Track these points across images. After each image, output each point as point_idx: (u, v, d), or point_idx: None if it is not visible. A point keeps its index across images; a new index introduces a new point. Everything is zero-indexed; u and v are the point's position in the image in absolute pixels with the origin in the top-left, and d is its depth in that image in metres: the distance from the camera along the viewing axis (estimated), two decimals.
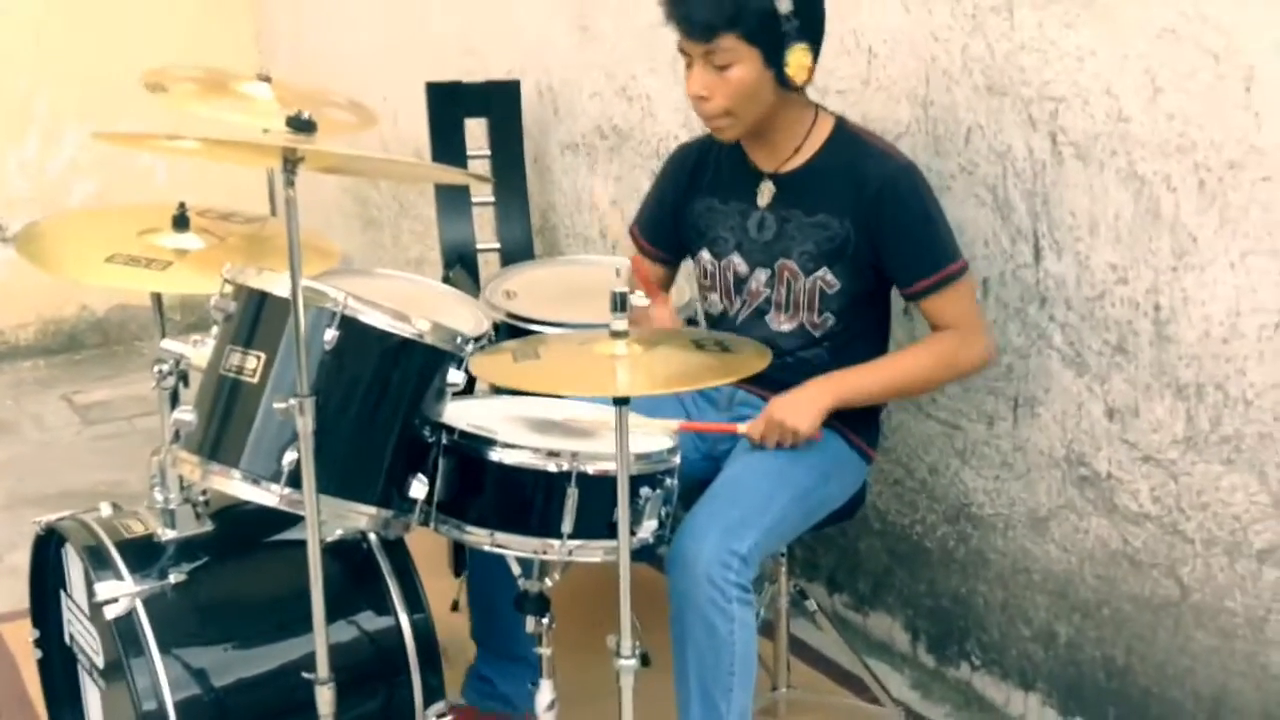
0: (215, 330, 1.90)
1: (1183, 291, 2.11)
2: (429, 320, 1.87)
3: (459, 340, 1.90)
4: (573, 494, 1.87)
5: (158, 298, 2.20)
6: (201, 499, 2.07)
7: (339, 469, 1.81)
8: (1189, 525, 2.17)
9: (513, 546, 1.92)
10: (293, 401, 1.68)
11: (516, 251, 3.40)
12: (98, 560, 1.96)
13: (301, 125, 1.58)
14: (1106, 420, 2.27)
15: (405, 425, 1.86)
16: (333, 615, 1.89)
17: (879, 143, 2.23)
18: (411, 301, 2.19)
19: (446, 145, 3.37)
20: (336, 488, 1.81)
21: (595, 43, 3.32)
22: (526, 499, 1.91)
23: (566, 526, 1.88)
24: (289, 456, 1.76)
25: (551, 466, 1.89)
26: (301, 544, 1.81)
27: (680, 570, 1.98)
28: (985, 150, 2.37)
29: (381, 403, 1.85)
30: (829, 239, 2.16)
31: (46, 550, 2.17)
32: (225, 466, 1.81)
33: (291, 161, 1.58)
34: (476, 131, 3.46)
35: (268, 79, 2.28)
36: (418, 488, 1.87)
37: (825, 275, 2.18)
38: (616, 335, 1.74)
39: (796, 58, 2.07)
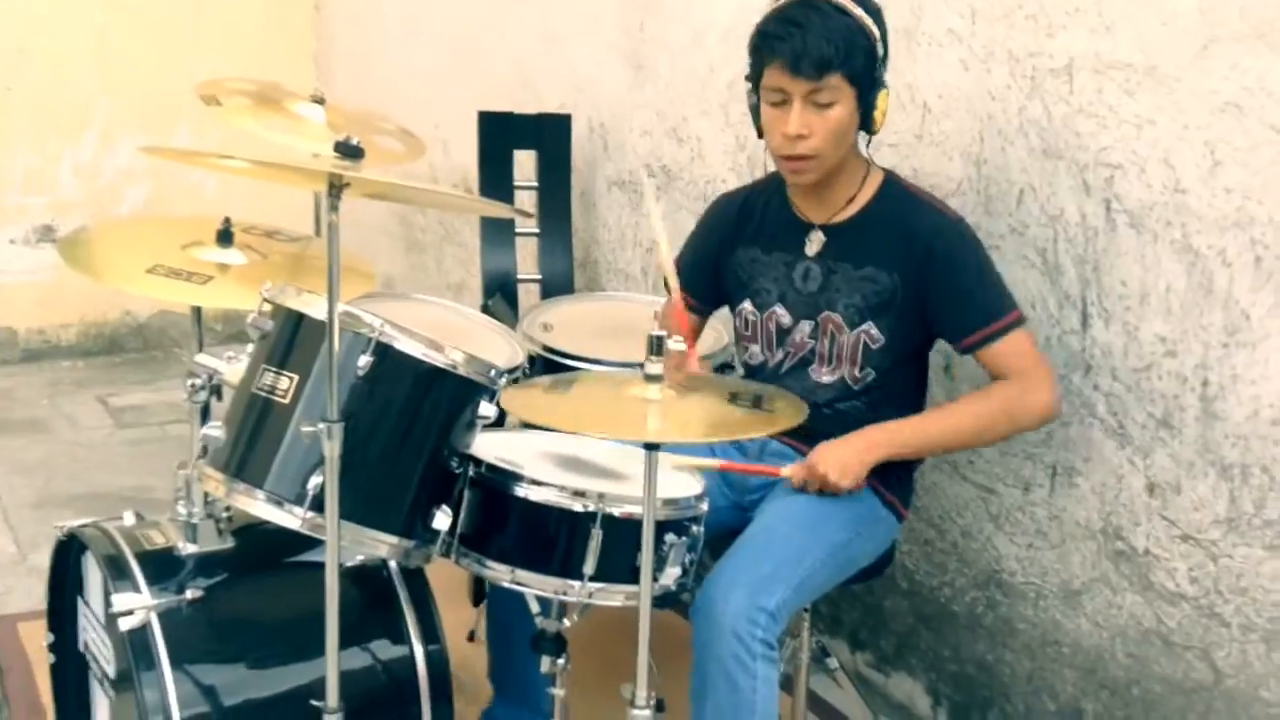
0: (250, 347, 1.90)
1: (1232, 369, 2.06)
2: (463, 351, 1.85)
3: (492, 373, 1.88)
4: (597, 535, 1.85)
5: (197, 311, 2.21)
6: (225, 515, 2.06)
7: (363, 496, 1.79)
8: (1227, 609, 2.11)
9: (532, 585, 1.90)
10: (321, 426, 1.66)
11: (557, 284, 3.40)
12: (116, 570, 1.95)
13: (349, 151, 1.58)
14: (1147, 495, 2.21)
15: (433, 455, 1.85)
16: (347, 641, 1.87)
17: (928, 198, 2.21)
18: (448, 329, 2.18)
19: (495, 175, 3.38)
20: (360, 515, 1.79)
21: (649, 82, 3.32)
22: (550, 537, 1.89)
23: (589, 568, 1.85)
24: (314, 480, 1.74)
25: (577, 506, 1.86)
26: (321, 566, 1.80)
27: (706, 622, 1.94)
28: (1037, 212, 2.34)
29: (411, 431, 1.83)
30: (876, 293, 2.14)
31: (67, 556, 2.17)
32: (250, 486, 1.80)
33: (337, 187, 1.58)
34: (525, 163, 3.46)
35: (321, 100, 2.29)
36: (441, 519, 1.85)
37: (870, 329, 2.15)
38: (650, 379, 1.71)
39: (882, 102, 2.09)
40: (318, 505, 1.74)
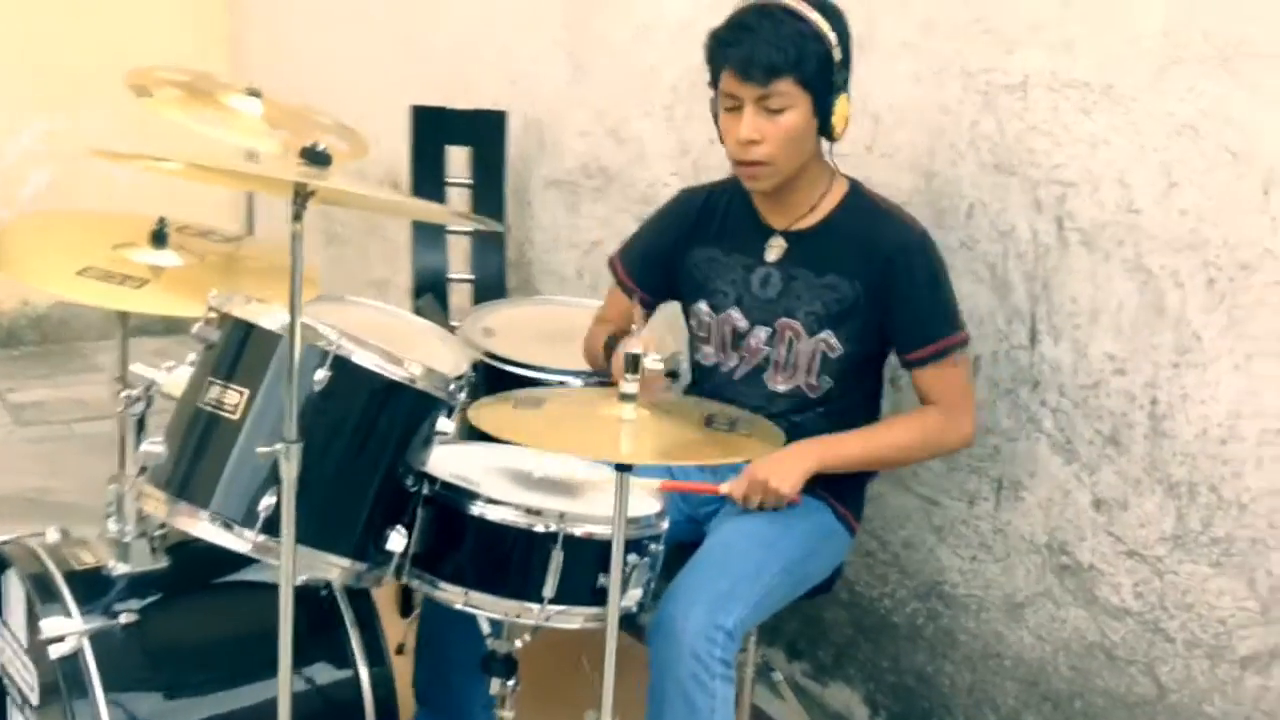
0: (192, 357, 1.80)
1: (1182, 388, 2.08)
2: (422, 364, 1.78)
3: (451, 387, 1.81)
4: (558, 556, 1.79)
5: (124, 314, 2.09)
6: (158, 533, 1.95)
7: (316, 517, 1.70)
8: (1171, 624, 2.14)
9: (487, 607, 1.84)
10: (279, 446, 1.58)
11: (489, 284, 3.32)
12: (44, 592, 1.84)
13: (316, 158, 1.49)
14: (1093, 511, 2.23)
15: (388, 474, 1.77)
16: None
17: (895, 209, 2.20)
18: (388, 335, 2.10)
19: (427, 171, 3.29)
20: (311, 537, 1.71)
21: (589, 80, 3.25)
22: (507, 558, 1.83)
23: (548, 590, 1.80)
24: (265, 501, 1.65)
25: (538, 526, 1.81)
26: (259, 586, 1.74)
27: (665, 642, 1.90)
28: (987, 228, 2.34)
29: (365, 448, 1.76)
30: (837, 301, 2.12)
31: None
32: (194, 506, 1.70)
33: (302, 195, 1.49)
34: (457, 158, 3.38)
35: (257, 94, 2.19)
36: (396, 540, 1.78)
37: (829, 338, 2.13)
38: (625, 399, 1.67)
39: (841, 108, 2.06)
40: (269, 527, 1.66)
